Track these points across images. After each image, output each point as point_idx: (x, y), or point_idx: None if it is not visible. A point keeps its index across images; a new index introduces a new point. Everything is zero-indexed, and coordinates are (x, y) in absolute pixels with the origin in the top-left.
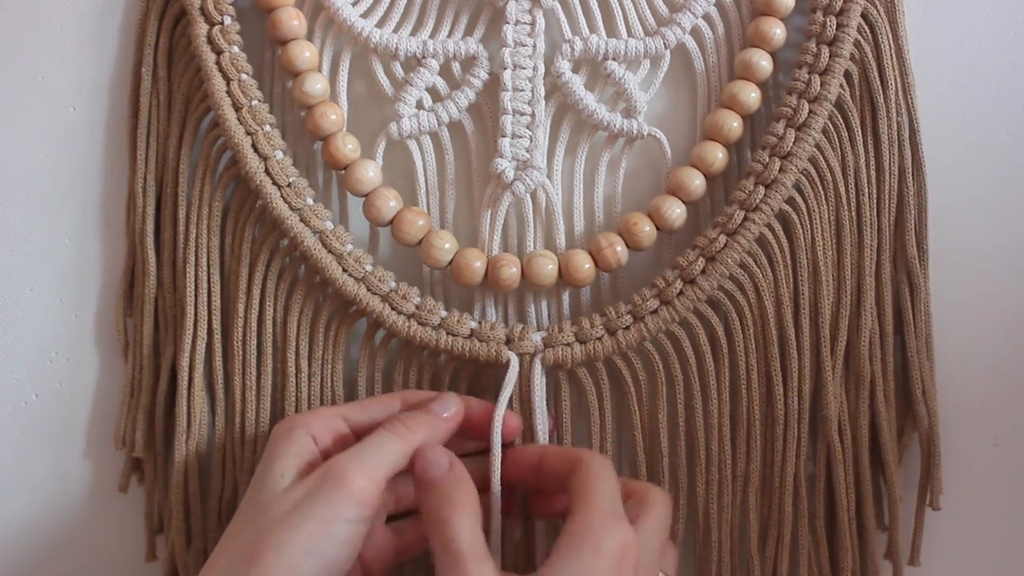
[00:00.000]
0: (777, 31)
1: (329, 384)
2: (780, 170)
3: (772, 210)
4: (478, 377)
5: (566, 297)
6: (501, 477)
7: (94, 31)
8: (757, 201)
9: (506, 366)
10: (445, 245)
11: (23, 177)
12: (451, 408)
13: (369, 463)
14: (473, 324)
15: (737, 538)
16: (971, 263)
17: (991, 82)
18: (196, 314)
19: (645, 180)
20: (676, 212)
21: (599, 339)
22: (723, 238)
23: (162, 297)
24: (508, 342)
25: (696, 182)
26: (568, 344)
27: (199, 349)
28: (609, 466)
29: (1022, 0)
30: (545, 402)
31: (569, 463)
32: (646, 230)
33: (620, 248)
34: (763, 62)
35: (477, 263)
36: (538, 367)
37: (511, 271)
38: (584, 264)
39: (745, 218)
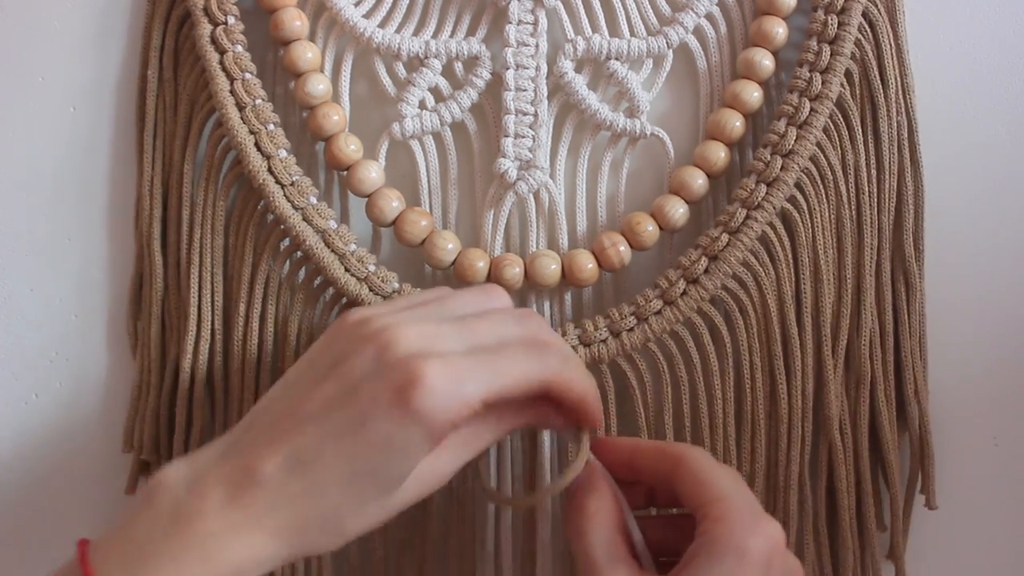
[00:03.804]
0: (779, 30)
1: None
2: (782, 168)
3: (774, 208)
4: None
5: (569, 297)
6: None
7: (95, 32)
8: (759, 199)
9: None
10: (448, 245)
11: (23, 177)
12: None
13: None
14: None
15: None
16: (971, 263)
17: (991, 82)
18: (200, 315)
19: (648, 180)
20: (679, 211)
21: (603, 341)
22: (725, 236)
23: (168, 299)
24: None
25: (699, 181)
26: (572, 347)
27: (202, 350)
28: (713, 459)
29: (1022, 0)
30: None
31: (667, 461)
32: (649, 230)
33: (623, 248)
34: (765, 61)
35: (480, 263)
36: None
37: (514, 271)
38: (587, 264)
39: (747, 216)
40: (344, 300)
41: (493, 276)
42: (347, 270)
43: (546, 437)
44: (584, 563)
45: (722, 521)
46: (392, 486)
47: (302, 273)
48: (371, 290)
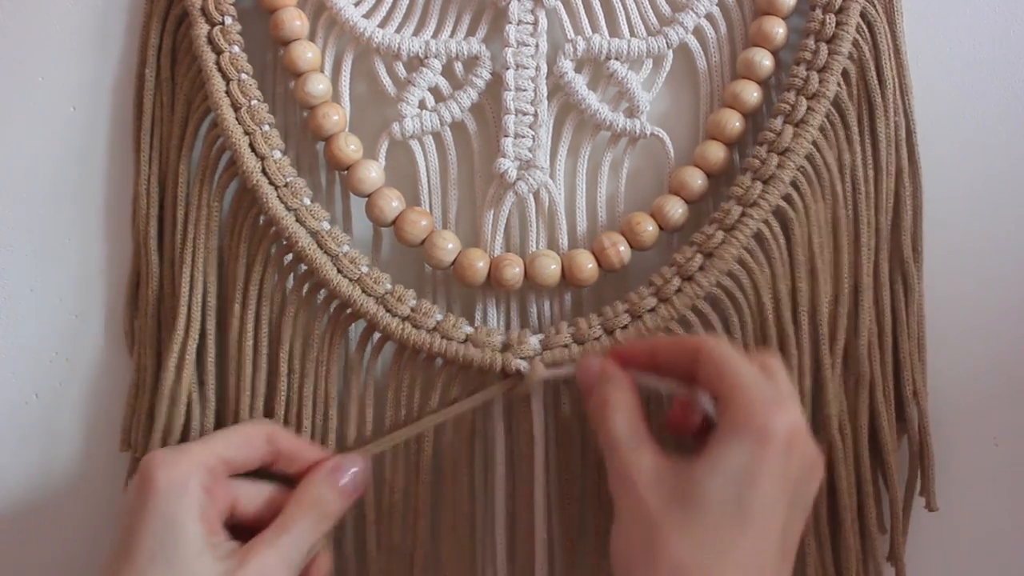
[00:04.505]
0: (779, 30)
1: (323, 386)
2: (777, 166)
3: (769, 206)
4: (471, 383)
5: (569, 297)
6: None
7: (95, 31)
8: (754, 197)
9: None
10: (448, 245)
11: (23, 177)
12: (352, 475)
13: (289, 556)
14: (468, 329)
15: None
16: (971, 263)
17: (991, 82)
18: (189, 315)
19: (648, 180)
20: (679, 211)
21: (597, 339)
22: (720, 234)
23: (164, 298)
24: (505, 348)
25: (699, 181)
26: (566, 345)
27: (189, 350)
28: (733, 347)
29: (1022, 0)
30: (543, 406)
31: (688, 354)
32: (649, 229)
33: (623, 248)
34: (765, 61)
35: (480, 263)
36: (540, 366)
37: (514, 271)
38: (587, 264)
39: (742, 214)
40: (337, 301)
41: (493, 276)
42: (340, 271)
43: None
44: (608, 449)
45: (743, 406)
46: (188, 558)
47: (296, 274)
48: (363, 291)
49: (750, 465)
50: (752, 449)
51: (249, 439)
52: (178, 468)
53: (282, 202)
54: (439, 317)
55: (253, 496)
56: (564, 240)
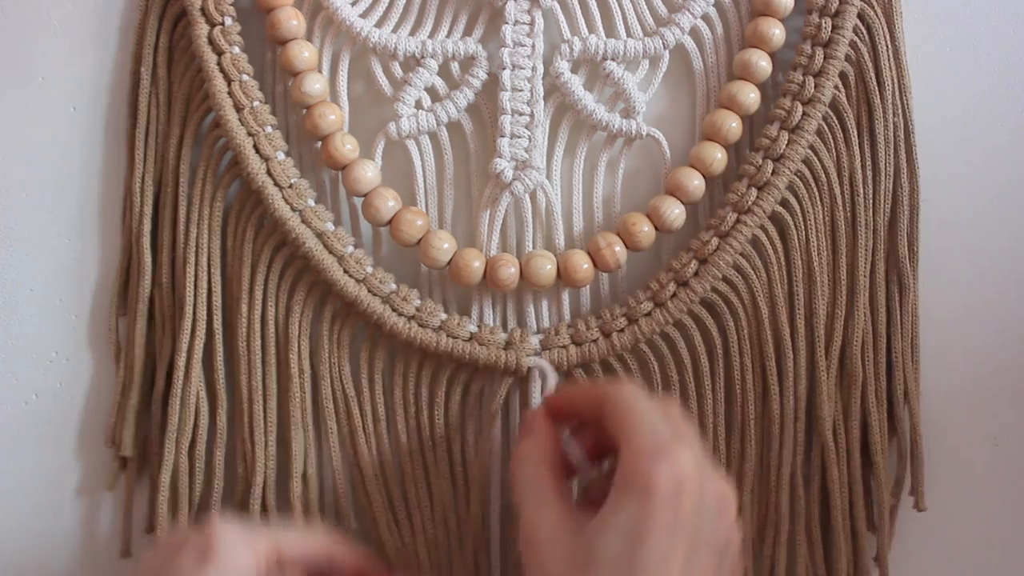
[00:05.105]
0: (776, 32)
1: (339, 385)
2: (773, 172)
3: (765, 212)
4: (475, 380)
5: (565, 297)
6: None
7: (94, 31)
8: (750, 203)
9: (525, 377)
10: (444, 245)
11: (23, 177)
12: None
13: None
14: (473, 327)
15: None
16: (971, 263)
17: (990, 83)
18: (195, 314)
19: (644, 180)
20: (675, 212)
21: (594, 341)
22: (715, 240)
23: (159, 297)
24: (508, 345)
25: (695, 183)
26: (564, 346)
27: (196, 349)
28: (638, 395)
29: (1022, 0)
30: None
31: (595, 402)
32: (645, 230)
33: (619, 248)
34: (762, 62)
35: (476, 263)
36: (548, 364)
37: (510, 271)
38: (583, 264)
39: (738, 220)
40: (342, 301)
41: (488, 276)
42: (345, 272)
43: None
44: (517, 503)
45: (630, 459)
46: None
47: (301, 275)
48: (369, 291)
49: (637, 522)
50: (638, 504)
51: (314, 550)
52: (243, 550)
53: (287, 203)
54: (443, 316)
55: None
56: (560, 240)
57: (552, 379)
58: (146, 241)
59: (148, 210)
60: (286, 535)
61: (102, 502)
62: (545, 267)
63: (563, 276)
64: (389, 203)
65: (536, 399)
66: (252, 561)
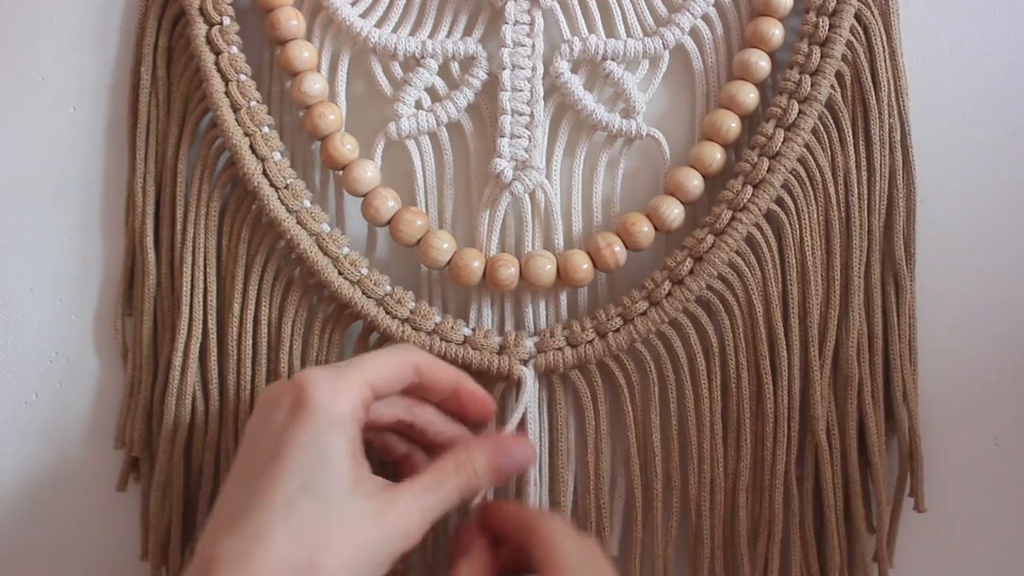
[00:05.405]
0: (776, 32)
1: None
2: (768, 170)
3: (760, 210)
4: None
5: (564, 298)
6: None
7: (94, 31)
8: (745, 201)
9: (515, 383)
10: (443, 245)
11: (23, 177)
12: (516, 464)
13: (430, 514)
14: (467, 331)
15: (729, 536)
16: (970, 262)
17: (989, 83)
18: (191, 314)
19: (644, 180)
20: (674, 212)
21: (590, 342)
22: (711, 238)
23: (160, 297)
24: (502, 350)
25: (694, 182)
26: (559, 348)
27: (192, 349)
28: (563, 528)
29: (1021, 0)
30: (538, 407)
31: (522, 529)
32: (644, 230)
33: (618, 248)
34: (761, 62)
35: (475, 263)
36: (531, 373)
37: (509, 271)
38: (582, 264)
39: (733, 218)
40: (336, 303)
41: (488, 276)
42: (340, 273)
43: None
44: None
45: None
46: (338, 495)
47: (295, 275)
48: (364, 293)
49: None
50: None
51: (401, 370)
52: (338, 398)
53: (283, 204)
54: (438, 319)
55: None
56: (560, 241)
57: (531, 390)
58: (149, 241)
59: (151, 210)
60: (375, 370)
61: (102, 502)
62: (545, 267)
63: (563, 276)
64: (389, 203)
65: (532, 401)
66: (348, 409)
